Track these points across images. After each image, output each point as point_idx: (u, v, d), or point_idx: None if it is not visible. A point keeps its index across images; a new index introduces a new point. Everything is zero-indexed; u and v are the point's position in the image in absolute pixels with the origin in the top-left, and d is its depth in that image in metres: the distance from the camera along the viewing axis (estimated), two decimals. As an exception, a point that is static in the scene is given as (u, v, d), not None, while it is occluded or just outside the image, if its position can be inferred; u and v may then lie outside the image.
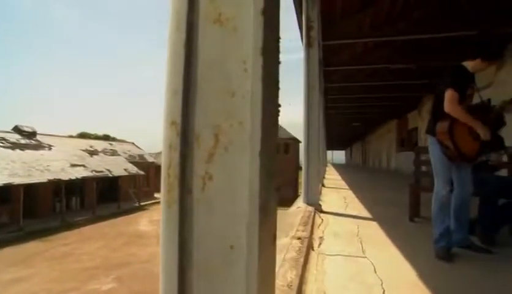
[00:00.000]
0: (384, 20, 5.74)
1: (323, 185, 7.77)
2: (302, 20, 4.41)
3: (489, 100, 6.18)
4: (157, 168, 25.19)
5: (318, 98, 4.43)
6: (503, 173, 3.07)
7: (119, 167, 22.17)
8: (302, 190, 4.19)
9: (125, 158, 24.70)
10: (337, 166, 26.76)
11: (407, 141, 14.96)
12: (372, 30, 6.00)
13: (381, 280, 1.87)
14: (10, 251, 12.20)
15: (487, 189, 2.61)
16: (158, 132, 0.71)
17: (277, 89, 0.68)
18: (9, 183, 13.76)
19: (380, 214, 3.99)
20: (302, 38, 4.48)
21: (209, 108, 0.61)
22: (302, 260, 1.87)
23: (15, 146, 17.14)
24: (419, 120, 12.57)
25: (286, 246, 2.14)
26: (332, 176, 12.27)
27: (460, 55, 2.43)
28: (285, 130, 29.68)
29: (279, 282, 1.54)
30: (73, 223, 16.49)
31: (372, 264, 2.15)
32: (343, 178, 11.25)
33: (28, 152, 17.36)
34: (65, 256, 11.92)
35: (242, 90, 0.59)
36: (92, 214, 18.20)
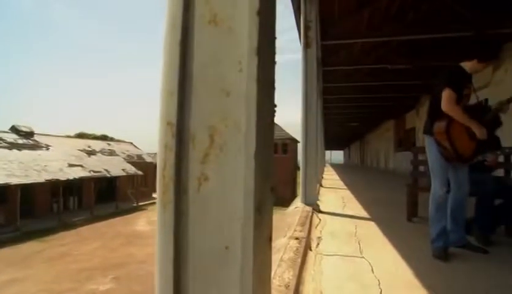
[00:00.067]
0: (381, 20, 5.75)
1: (321, 185, 7.78)
2: (300, 20, 4.42)
3: (486, 100, 6.23)
4: (156, 168, 25.00)
5: (316, 98, 4.44)
6: (500, 173, 3.08)
7: (117, 167, 22.11)
8: (300, 190, 4.19)
9: (124, 158, 24.63)
10: (336, 166, 26.81)
11: (405, 141, 15.01)
12: (369, 31, 6.01)
13: (378, 280, 1.88)
14: (6, 251, 12.14)
15: (484, 189, 2.63)
16: (157, 132, 0.71)
17: (273, 89, 0.68)
18: (6, 183, 13.68)
19: (377, 214, 4.00)
20: (300, 38, 4.49)
21: (205, 109, 0.61)
22: (299, 260, 1.87)
23: (12, 146, 17.05)
24: (417, 120, 12.61)
25: (284, 246, 2.14)
26: (330, 176, 12.29)
27: (457, 55, 2.45)
28: (283, 130, 29.70)
29: (276, 282, 1.54)
30: (70, 223, 16.43)
31: (370, 264, 2.15)
32: (341, 178, 11.27)
33: (25, 152, 17.28)
34: (62, 256, 11.87)
35: (237, 90, 0.59)
36: (90, 214, 18.14)
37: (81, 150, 21.55)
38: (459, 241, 2.44)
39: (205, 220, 0.60)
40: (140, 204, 22.66)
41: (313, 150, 4.12)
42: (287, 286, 1.49)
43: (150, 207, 22.55)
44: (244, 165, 0.58)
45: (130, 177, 23.20)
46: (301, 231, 2.55)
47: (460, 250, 2.41)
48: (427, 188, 2.50)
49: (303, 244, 2.21)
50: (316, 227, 3.21)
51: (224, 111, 0.60)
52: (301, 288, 1.74)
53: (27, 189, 15.18)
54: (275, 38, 0.70)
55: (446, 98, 2.18)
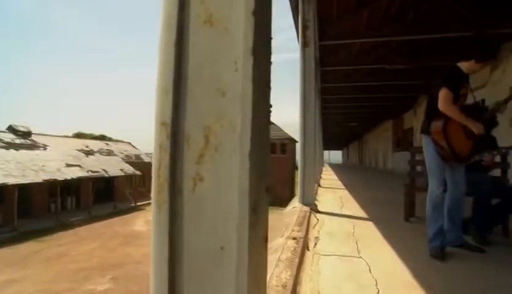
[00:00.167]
0: (380, 20, 5.75)
1: (319, 185, 7.79)
2: (298, 19, 4.42)
3: (483, 100, 6.25)
4: (154, 168, 24.93)
5: (315, 98, 4.44)
6: (496, 173, 3.09)
7: (115, 167, 22.05)
8: (298, 190, 4.19)
9: (122, 158, 24.57)
10: (334, 166, 26.85)
11: (403, 141, 15.04)
12: (368, 31, 6.01)
13: (375, 280, 1.88)
14: (4, 252, 12.08)
15: (481, 189, 2.64)
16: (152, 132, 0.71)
17: (269, 89, 0.68)
18: (3, 183, 13.62)
19: (375, 214, 4.01)
20: (298, 38, 4.49)
21: (200, 109, 0.61)
22: (297, 260, 1.87)
23: (9, 145, 16.98)
24: (415, 120, 12.64)
25: (281, 246, 2.14)
26: (328, 176, 12.30)
27: (456, 55, 2.45)
28: (281, 129, 29.70)
29: (274, 282, 1.54)
30: (68, 223, 16.37)
31: (367, 264, 2.16)
32: (340, 178, 11.28)
33: (23, 152, 17.20)
34: (60, 256, 11.83)
35: (232, 90, 0.59)
36: (88, 214, 18.08)
37: (79, 150, 21.48)
38: (456, 240, 2.45)
39: (200, 221, 0.59)
40: (138, 204, 22.61)
41: (311, 150, 4.12)
42: (284, 287, 1.49)
43: (148, 207, 22.48)
44: (239, 165, 0.57)
45: (128, 177, 23.14)
46: (298, 231, 2.55)
47: (457, 249, 2.42)
48: (425, 188, 2.51)
49: (301, 244, 2.21)
50: (314, 227, 3.21)
51: (219, 111, 0.59)
52: (299, 288, 1.74)
53: (24, 189, 15.11)
54: (271, 38, 0.70)
55: (443, 97, 2.19)
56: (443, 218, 2.36)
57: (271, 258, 1.92)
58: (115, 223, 17.69)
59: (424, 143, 2.42)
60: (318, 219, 3.55)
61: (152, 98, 0.70)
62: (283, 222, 3.16)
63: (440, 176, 2.35)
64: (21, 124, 19.72)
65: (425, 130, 2.39)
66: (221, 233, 0.58)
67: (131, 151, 27.70)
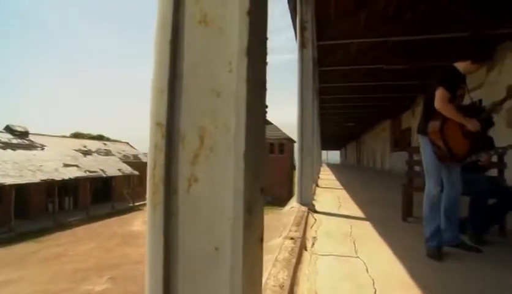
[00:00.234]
0: (377, 21, 5.77)
1: (317, 185, 7.80)
2: (296, 21, 4.42)
3: (480, 100, 6.28)
4: (152, 168, 24.84)
5: (312, 98, 4.44)
6: (493, 173, 3.11)
7: (113, 167, 21.99)
8: (295, 190, 4.20)
9: (120, 158, 24.51)
10: (332, 166, 26.90)
11: (401, 141, 15.08)
12: (365, 31, 6.03)
13: (372, 279, 1.89)
14: (1, 252, 12.02)
15: (477, 189, 2.65)
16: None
17: (264, 89, 0.68)
18: (0, 184, 13.55)
19: (373, 214, 4.02)
20: (296, 38, 4.50)
21: (194, 109, 0.60)
22: (294, 260, 1.87)
23: (6, 145, 16.89)
24: (412, 120, 12.68)
25: (279, 246, 2.14)
26: (326, 176, 12.32)
27: (452, 56, 2.46)
28: (279, 129, 29.72)
29: (271, 282, 1.54)
30: (66, 223, 16.30)
31: (364, 263, 2.16)
32: (338, 178, 11.30)
33: (20, 152, 17.12)
34: (58, 257, 11.78)
35: (227, 91, 0.58)
36: (86, 215, 18.02)
37: (77, 150, 21.41)
38: (453, 240, 2.45)
39: (195, 221, 0.59)
40: (136, 204, 22.55)
41: (309, 150, 4.12)
42: (281, 287, 1.49)
43: (146, 208, 22.36)
44: (233, 166, 0.57)
45: (126, 177, 23.07)
46: (296, 231, 2.55)
47: (454, 249, 2.43)
48: (422, 188, 2.52)
49: (298, 244, 2.21)
50: (311, 227, 3.21)
51: (214, 111, 0.59)
52: (296, 288, 1.74)
53: (21, 189, 15.04)
54: (266, 38, 0.70)
55: (439, 96, 2.20)
56: (440, 218, 2.37)
57: (269, 258, 1.92)
58: (113, 223, 17.64)
59: (422, 143, 2.43)
60: (315, 219, 3.56)
61: (147, 98, 0.70)
62: (281, 221, 3.17)
63: (437, 176, 2.36)
64: (18, 124, 19.63)
65: (422, 130, 2.40)
66: (216, 233, 0.58)
67: (129, 151, 27.63)
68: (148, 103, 0.67)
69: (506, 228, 2.88)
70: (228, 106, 0.58)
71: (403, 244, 2.67)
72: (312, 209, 3.90)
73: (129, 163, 24.19)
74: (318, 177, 10.18)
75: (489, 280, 1.95)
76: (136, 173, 23.16)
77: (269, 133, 28.28)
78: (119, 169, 22.28)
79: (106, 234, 15.26)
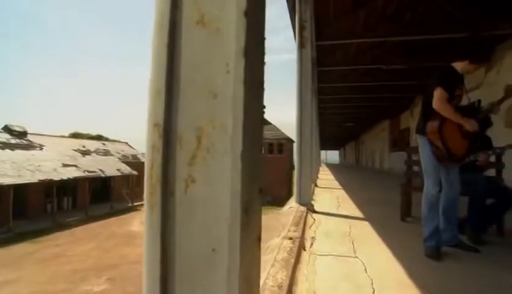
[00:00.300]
0: (377, 20, 5.78)
1: (316, 185, 7.80)
2: (295, 20, 4.43)
3: (479, 101, 6.28)
4: (151, 168, 24.79)
5: (311, 98, 4.45)
6: (491, 173, 3.11)
7: (111, 167, 21.95)
8: (294, 190, 4.20)
9: (118, 158, 24.46)
10: (331, 166, 26.91)
11: (399, 141, 15.10)
12: (364, 31, 6.04)
13: (371, 279, 1.89)
14: (-1, 253, 11.99)
15: (475, 189, 2.66)
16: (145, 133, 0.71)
17: (262, 90, 0.68)
18: (-2, 183, 13.51)
19: (371, 214, 4.02)
20: (295, 38, 4.50)
21: (192, 110, 0.60)
22: (292, 260, 1.88)
23: (4, 145, 16.84)
24: (411, 120, 12.70)
25: (277, 246, 2.14)
26: (325, 176, 12.33)
27: (451, 56, 2.47)
28: (279, 129, 29.73)
29: (270, 282, 1.54)
30: (64, 224, 16.27)
31: (363, 263, 2.16)
32: (337, 178, 11.31)
33: (18, 152, 17.08)
34: (56, 257, 11.75)
35: (224, 92, 0.58)
36: (85, 215, 17.99)
37: (76, 150, 21.36)
38: (452, 240, 2.46)
39: (192, 222, 0.59)
40: (135, 204, 22.52)
41: (308, 150, 4.13)
42: (280, 287, 1.49)
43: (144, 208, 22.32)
44: (230, 167, 0.57)
45: (125, 177, 23.05)
46: (295, 231, 2.55)
47: (453, 249, 2.43)
48: (421, 188, 2.52)
49: (297, 244, 2.21)
50: (310, 227, 3.21)
51: (211, 112, 0.59)
52: (294, 288, 1.74)
53: (20, 189, 15.00)
54: (264, 38, 0.70)
55: (438, 96, 2.20)
56: (438, 218, 2.37)
57: (267, 258, 1.92)
58: (112, 224, 17.62)
59: (420, 143, 2.43)
60: (314, 219, 3.56)
61: (145, 99, 0.69)
62: (280, 221, 3.17)
63: (436, 176, 2.36)
64: (17, 124, 19.57)
65: (421, 131, 2.40)
66: (213, 234, 0.58)
67: (128, 151, 27.59)
68: (146, 104, 0.66)
69: (504, 228, 2.88)
70: (226, 106, 0.58)
71: (401, 244, 2.67)
72: (311, 209, 3.90)
73: (128, 163, 24.15)
74: (317, 177, 10.19)
75: (487, 280, 1.96)
76: (135, 173, 23.12)
77: (268, 133, 28.30)
78: (117, 170, 22.25)
79: (105, 234, 15.23)
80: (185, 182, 0.60)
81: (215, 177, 0.58)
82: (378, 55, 7.43)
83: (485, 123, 2.48)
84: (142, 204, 22.70)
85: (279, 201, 19.81)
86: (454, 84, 2.30)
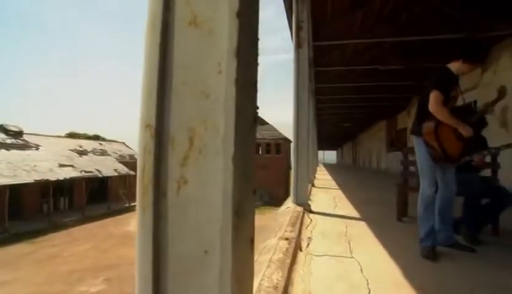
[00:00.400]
0: (374, 21, 5.79)
1: (313, 185, 7.81)
2: (292, 20, 4.43)
3: (475, 102, 6.33)
4: (148, 168, 24.70)
5: (308, 98, 4.45)
6: (486, 173, 3.13)
7: (109, 167, 21.86)
8: (291, 190, 4.20)
9: (116, 158, 24.37)
10: (328, 166, 26.97)
11: (396, 142, 15.15)
12: (362, 31, 6.05)
13: (367, 279, 1.89)
14: (-6, 253, 11.89)
15: (471, 189, 2.67)
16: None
17: (255, 90, 0.68)
18: (-6, 184, 13.41)
19: (368, 214, 4.03)
20: (292, 38, 4.50)
21: (184, 111, 0.60)
22: (288, 261, 1.87)
23: (0, 145, 16.71)
24: (408, 121, 12.75)
25: (273, 247, 2.14)
26: (322, 176, 12.35)
27: (447, 57, 2.48)
28: (276, 130, 29.73)
29: (265, 283, 1.54)
30: (61, 224, 16.17)
31: (359, 264, 2.17)
32: (334, 178, 11.33)
33: (14, 152, 16.95)
34: (52, 258, 11.68)
35: (216, 92, 0.58)
36: (81, 215, 17.88)
37: (72, 150, 21.24)
38: (447, 240, 2.47)
39: (184, 224, 0.59)
40: (132, 204, 22.39)
41: (305, 150, 4.13)
42: (275, 288, 1.49)
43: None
44: (222, 168, 0.57)
45: (122, 178, 22.94)
46: (291, 231, 2.55)
47: (448, 249, 2.44)
48: (417, 189, 2.53)
49: (293, 244, 2.21)
50: (306, 227, 3.21)
51: (203, 113, 0.59)
52: (290, 289, 1.74)
53: (15, 190, 14.89)
54: (257, 39, 0.70)
55: (434, 99, 2.21)
56: (434, 218, 2.38)
57: (263, 259, 1.92)
58: (109, 224, 17.53)
59: (416, 144, 2.44)
60: (311, 219, 3.56)
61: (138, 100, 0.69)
62: (277, 221, 3.17)
63: (432, 176, 2.37)
64: (13, 124, 19.42)
65: (416, 132, 2.41)
66: (205, 236, 0.58)
67: (125, 151, 27.49)
68: (138, 105, 0.66)
69: (499, 227, 2.90)
70: (218, 107, 0.58)
71: (398, 243, 2.68)
72: (308, 209, 3.90)
73: (125, 163, 24.05)
74: (314, 177, 10.20)
75: (483, 279, 1.97)
76: (132, 173, 23.00)
77: (266, 133, 28.30)
78: (114, 170, 22.15)
79: (101, 234, 15.15)
80: (178, 183, 0.59)
81: (207, 178, 0.58)
82: (375, 55, 7.45)
83: (481, 123, 2.50)
84: (139, 205, 22.65)
85: (277, 201, 19.80)
86: (449, 86, 2.31)
